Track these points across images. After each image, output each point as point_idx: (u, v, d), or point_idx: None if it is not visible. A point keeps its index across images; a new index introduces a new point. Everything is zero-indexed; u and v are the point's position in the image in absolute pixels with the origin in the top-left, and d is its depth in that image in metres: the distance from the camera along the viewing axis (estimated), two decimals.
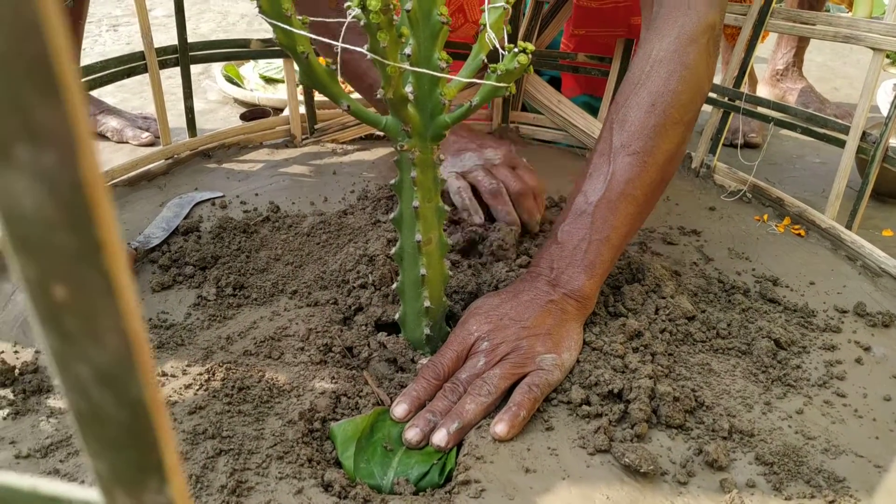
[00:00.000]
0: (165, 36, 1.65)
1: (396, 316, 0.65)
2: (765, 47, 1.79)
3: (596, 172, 0.65)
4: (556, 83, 1.18)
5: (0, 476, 0.14)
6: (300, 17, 0.51)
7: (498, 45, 0.54)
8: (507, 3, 0.54)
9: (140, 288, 0.71)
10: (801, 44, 1.50)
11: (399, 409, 0.57)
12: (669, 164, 0.66)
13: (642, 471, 0.51)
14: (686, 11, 0.67)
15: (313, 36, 0.52)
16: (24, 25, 0.08)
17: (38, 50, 0.08)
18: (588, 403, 0.57)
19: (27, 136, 0.08)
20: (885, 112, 1.05)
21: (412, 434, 0.55)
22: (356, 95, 0.91)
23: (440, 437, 0.54)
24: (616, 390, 0.58)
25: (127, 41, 1.82)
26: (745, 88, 0.95)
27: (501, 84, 0.53)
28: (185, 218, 0.83)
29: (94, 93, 1.21)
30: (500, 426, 0.54)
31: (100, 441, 0.11)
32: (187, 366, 0.61)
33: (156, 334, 0.65)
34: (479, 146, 0.84)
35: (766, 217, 0.90)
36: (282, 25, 0.51)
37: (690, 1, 0.67)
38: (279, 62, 1.34)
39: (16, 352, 0.63)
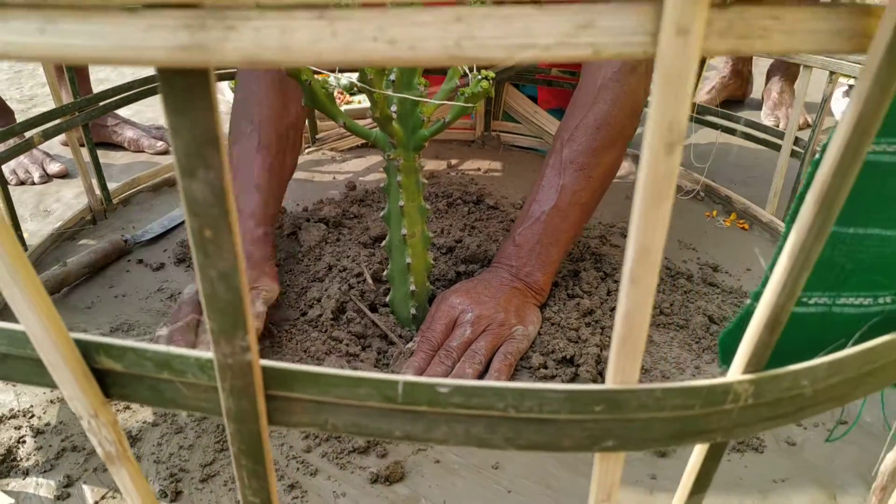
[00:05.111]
0: None
1: (387, 299, 0.76)
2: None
3: (548, 184, 0.78)
4: (533, 101, 1.30)
5: (136, 343, 0.26)
6: None
7: (467, 71, 0.66)
8: None
9: (124, 268, 0.83)
10: (792, 71, 1.58)
11: None
12: (608, 176, 0.79)
13: None
14: None
15: (315, 67, 0.63)
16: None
17: (208, 124, 0.20)
18: (545, 367, 0.69)
19: (204, 165, 0.20)
20: (839, 118, 1.16)
21: None
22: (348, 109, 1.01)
23: None
24: (569, 356, 0.69)
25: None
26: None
27: (468, 105, 0.65)
28: None
29: None
30: None
31: (216, 311, 0.23)
32: None
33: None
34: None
35: (715, 213, 1.01)
36: None
37: None
38: None
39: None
